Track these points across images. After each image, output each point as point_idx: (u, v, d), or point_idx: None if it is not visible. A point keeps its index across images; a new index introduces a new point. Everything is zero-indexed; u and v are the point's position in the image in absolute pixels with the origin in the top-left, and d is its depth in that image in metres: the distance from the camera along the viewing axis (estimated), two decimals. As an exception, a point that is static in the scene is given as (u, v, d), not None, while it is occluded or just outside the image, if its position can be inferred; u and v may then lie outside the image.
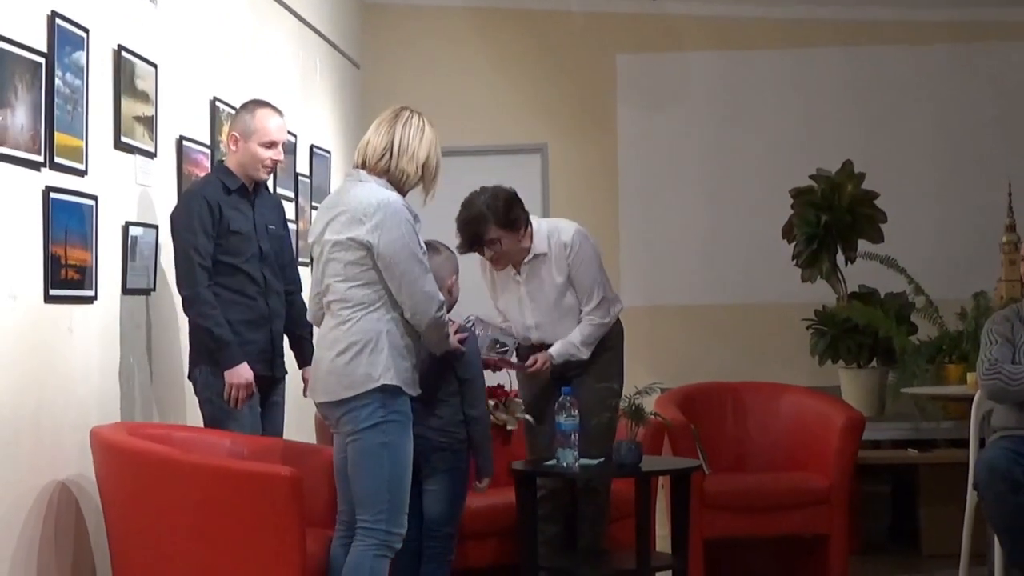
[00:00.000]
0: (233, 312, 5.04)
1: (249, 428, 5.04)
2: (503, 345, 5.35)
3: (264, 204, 5.30)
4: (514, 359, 5.45)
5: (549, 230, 5.49)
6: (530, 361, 5.46)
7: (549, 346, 5.50)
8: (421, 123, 4.58)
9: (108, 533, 4.57)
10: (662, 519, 5.79)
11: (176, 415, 5.45)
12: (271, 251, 5.24)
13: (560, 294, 5.46)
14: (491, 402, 5.42)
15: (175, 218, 5.07)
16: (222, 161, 5.30)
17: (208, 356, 5.01)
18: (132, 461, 4.46)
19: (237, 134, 5.18)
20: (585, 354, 5.46)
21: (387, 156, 4.53)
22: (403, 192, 4.55)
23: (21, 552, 4.30)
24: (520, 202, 5.42)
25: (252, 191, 5.22)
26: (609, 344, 5.55)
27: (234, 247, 5.08)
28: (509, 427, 5.90)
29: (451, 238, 5.27)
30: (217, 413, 5.02)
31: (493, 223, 5.31)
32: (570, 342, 5.45)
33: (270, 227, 5.27)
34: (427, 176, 4.59)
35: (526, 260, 5.47)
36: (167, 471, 4.42)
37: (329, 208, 4.60)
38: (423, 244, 4.54)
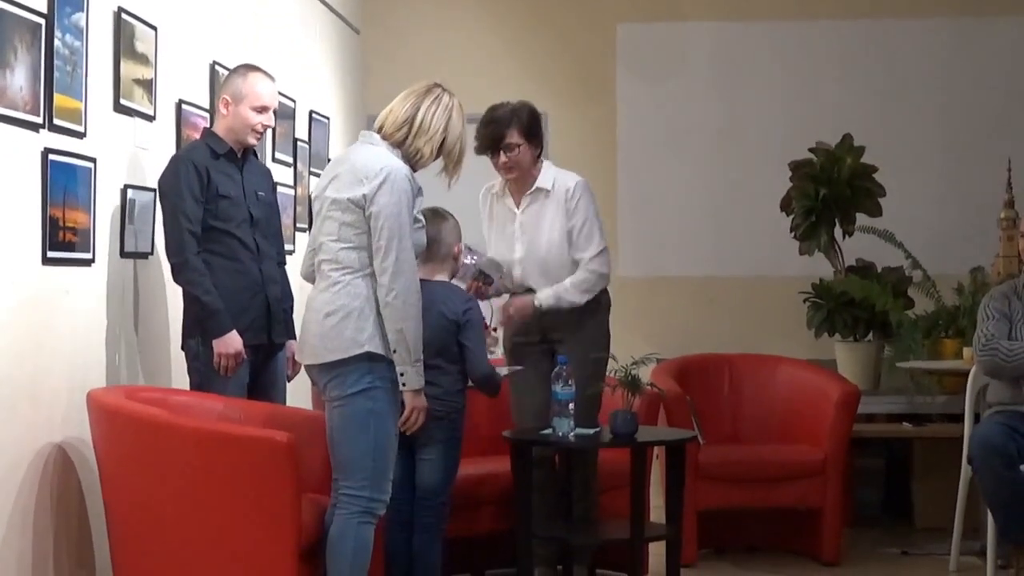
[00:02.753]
0: (226, 279, 5.01)
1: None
2: (488, 278, 5.33)
3: (253, 170, 5.26)
4: (493, 296, 5.44)
5: (556, 173, 5.53)
6: (504, 306, 5.43)
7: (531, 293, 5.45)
8: (450, 104, 4.54)
9: (104, 496, 4.57)
10: (656, 490, 5.80)
11: (174, 379, 5.43)
12: (262, 217, 5.20)
13: (550, 240, 5.43)
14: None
15: (163, 183, 5.03)
16: (209, 127, 5.27)
17: (201, 326, 5.00)
18: (129, 424, 4.46)
19: (228, 97, 5.14)
20: (578, 298, 5.39)
21: (406, 129, 4.50)
22: (415, 169, 4.52)
23: (17, 514, 4.30)
24: (541, 123, 5.54)
25: (241, 157, 5.19)
26: (595, 309, 5.52)
27: (224, 212, 5.04)
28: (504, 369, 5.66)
29: (452, 206, 5.22)
30: (203, 381, 5.00)
31: (516, 128, 5.39)
32: (560, 286, 5.40)
33: (259, 193, 5.23)
34: (448, 160, 4.56)
35: (528, 191, 5.47)
36: (163, 435, 4.42)
37: (336, 165, 4.60)
38: (420, 217, 4.52)
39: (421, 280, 4.51)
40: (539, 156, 5.51)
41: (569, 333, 5.44)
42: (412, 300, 4.39)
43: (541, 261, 5.45)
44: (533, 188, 5.48)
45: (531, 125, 5.45)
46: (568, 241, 5.44)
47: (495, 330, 5.42)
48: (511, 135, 5.40)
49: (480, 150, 5.43)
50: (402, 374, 4.40)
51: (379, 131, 4.55)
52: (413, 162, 4.52)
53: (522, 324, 5.48)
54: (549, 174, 5.51)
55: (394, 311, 4.36)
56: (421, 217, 4.54)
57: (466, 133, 4.61)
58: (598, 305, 5.51)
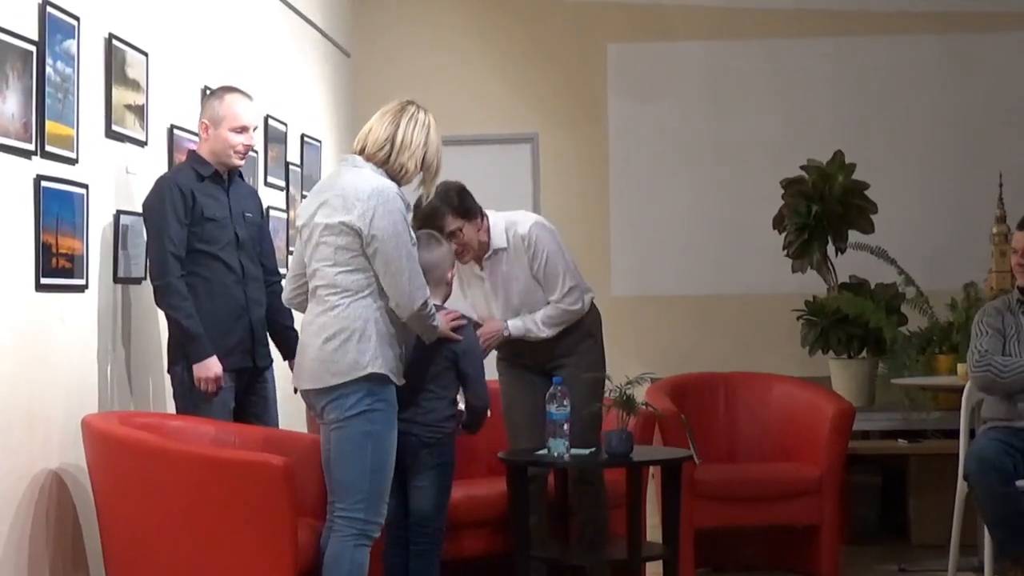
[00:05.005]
0: (209, 302, 5.01)
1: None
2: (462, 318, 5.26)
3: (239, 192, 5.27)
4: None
5: (507, 224, 5.42)
6: (480, 332, 5.32)
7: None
8: (426, 120, 4.60)
9: (99, 521, 4.57)
10: (653, 509, 5.79)
11: (169, 404, 5.42)
12: (248, 239, 5.21)
13: (523, 289, 5.39)
14: None
15: (147, 206, 5.04)
16: (194, 151, 5.28)
17: (182, 350, 5.00)
18: (124, 450, 4.45)
19: (207, 121, 5.15)
20: (545, 332, 5.37)
21: (388, 148, 4.53)
22: (400, 185, 4.55)
23: (13, 539, 4.29)
24: (470, 194, 5.34)
25: (227, 179, 5.19)
26: (588, 331, 5.51)
27: (209, 234, 5.05)
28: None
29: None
30: (188, 406, 5.00)
31: (450, 214, 5.22)
32: (531, 318, 5.38)
33: (247, 215, 5.24)
34: (427, 174, 4.62)
35: (487, 256, 5.41)
36: (158, 460, 4.42)
37: (321, 191, 4.60)
38: (415, 236, 4.54)
39: None
40: (482, 222, 5.35)
41: (563, 359, 5.42)
42: (431, 308, 4.53)
43: (519, 308, 5.41)
44: (490, 252, 5.40)
45: (462, 203, 5.26)
46: (537, 284, 5.42)
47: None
48: (448, 223, 5.21)
49: None
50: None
51: (361, 152, 4.56)
52: (398, 179, 4.56)
53: (507, 346, 5.47)
54: (499, 229, 5.39)
55: (419, 321, 4.50)
56: (413, 234, 4.55)
57: (440, 146, 4.66)
58: (587, 327, 5.50)
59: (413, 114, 4.59)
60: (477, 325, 5.31)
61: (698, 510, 6.00)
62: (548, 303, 5.40)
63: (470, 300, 5.55)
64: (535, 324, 5.39)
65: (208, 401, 4.96)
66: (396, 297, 4.44)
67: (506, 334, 5.39)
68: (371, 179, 4.47)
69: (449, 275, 5.03)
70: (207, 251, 5.04)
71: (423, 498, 4.91)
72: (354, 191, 4.44)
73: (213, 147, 5.14)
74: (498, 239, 5.40)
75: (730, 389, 6.72)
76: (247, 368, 5.16)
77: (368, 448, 4.41)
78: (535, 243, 5.38)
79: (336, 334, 4.41)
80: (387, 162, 4.54)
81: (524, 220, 5.45)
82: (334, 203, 4.47)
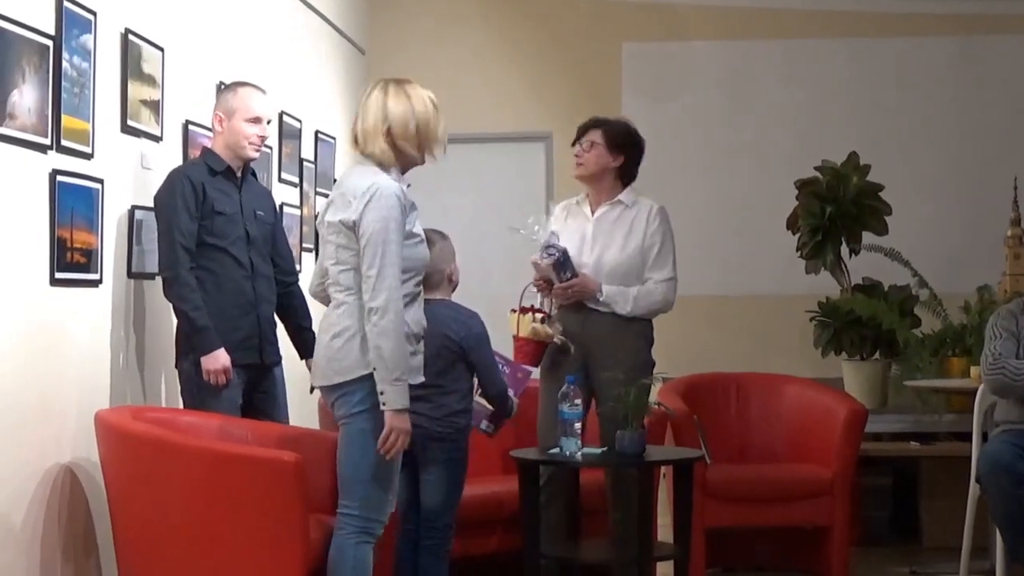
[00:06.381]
0: (217, 296, 5.02)
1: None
2: (566, 264, 5.35)
3: (252, 190, 5.27)
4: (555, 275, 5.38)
5: (640, 197, 5.59)
6: (571, 281, 5.35)
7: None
8: (402, 89, 4.43)
9: (112, 516, 4.58)
10: (664, 508, 5.79)
11: (181, 398, 5.43)
12: (259, 236, 5.21)
13: (627, 245, 5.44)
14: (538, 316, 5.36)
15: (159, 198, 5.05)
16: (208, 147, 5.28)
17: (189, 343, 5.00)
18: (136, 445, 4.46)
19: (221, 114, 5.17)
20: (628, 307, 5.38)
21: (381, 128, 4.38)
22: (407, 164, 4.46)
23: (26, 533, 4.31)
24: (639, 152, 5.63)
25: (240, 176, 5.20)
26: (648, 337, 5.51)
27: (219, 228, 5.06)
28: (557, 339, 5.42)
29: (453, 228, 5.22)
30: (195, 402, 5.01)
31: (602, 131, 5.52)
32: (625, 289, 5.41)
33: (258, 212, 5.24)
34: (425, 138, 4.43)
35: (608, 200, 5.52)
36: (170, 455, 4.43)
37: (335, 189, 4.60)
38: (419, 232, 4.48)
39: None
40: (622, 174, 5.55)
41: (618, 364, 5.33)
42: (391, 316, 4.26)
43: (611, 269, 5.43)
44: (614, 199, 5.52)
45: (620, 137, 5.55)
46: (640, 258, 5.45)
47: (551, 318, 5.41)
48: (593, 134, 5.51)
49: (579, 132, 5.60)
50: (381, 392, 4.26)
51: (360, 145, 4.48)
52: (399, 154, 4.41)
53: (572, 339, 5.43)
54: (632, 195, 5.57)
55: (373, 327, 4.26)
56: (420, 232, 4.50)
57: (433, 112, 4.44)
58: (649, 335, 5.51)
59: (383, 88, 4.44)
60: (574, 274, 5.35)
61: (709, 510, 6.00)
62: (646, 280, 5.44)
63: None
64: (624, 295, 5.41)
65: (216, 396, 4.97)
66: (363, 292, 4.31)
67: (600, 297, 5.40)
68: (369, 176, 4.39)
69: (449, 270, 4.99)
70: (216, 245, 5.05)
71: (432, 493, 4.90)
72: (353, 189, 4.41)
73: (227, 140, 5.15)
74: (626, 197, 5.55)
75: (742, 390, 6.72)
76: (255, 364, 5.16)
77: (372, 446, 4.39)
78: (661, 220, 5.53)
79: (341, 332, 4.39)
80: (385, 145, 4.38)
81: (655, 202, 5.60)
82: (338, 201, 4.45)
